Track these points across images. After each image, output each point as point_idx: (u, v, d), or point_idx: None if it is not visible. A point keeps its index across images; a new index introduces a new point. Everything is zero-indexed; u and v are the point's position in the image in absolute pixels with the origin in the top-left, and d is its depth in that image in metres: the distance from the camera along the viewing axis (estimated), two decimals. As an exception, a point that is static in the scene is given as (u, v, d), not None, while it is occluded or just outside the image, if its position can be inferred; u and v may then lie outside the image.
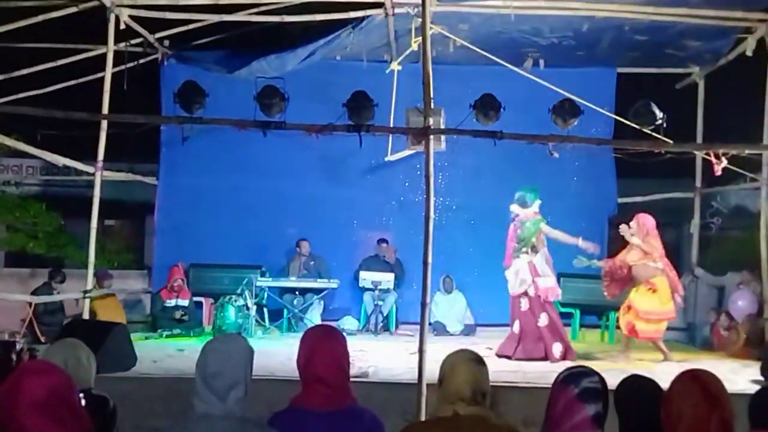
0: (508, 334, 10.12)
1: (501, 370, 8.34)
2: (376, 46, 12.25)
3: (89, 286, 10.53)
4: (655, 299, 9.84)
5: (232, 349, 3.14)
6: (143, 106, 11.45)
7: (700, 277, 12.85)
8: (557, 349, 9.67)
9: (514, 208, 10.21)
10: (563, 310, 12.27)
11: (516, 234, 10.08)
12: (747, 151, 9.55)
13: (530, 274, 9.90)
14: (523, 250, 10.00)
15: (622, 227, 10.08)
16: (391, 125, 10.65)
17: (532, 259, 9.96)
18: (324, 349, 3.43)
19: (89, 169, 10.96)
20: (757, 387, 7.33)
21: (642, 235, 9.96)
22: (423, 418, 6.65)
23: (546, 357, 9.61)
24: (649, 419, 3.25)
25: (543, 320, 9.84)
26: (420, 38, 8.92)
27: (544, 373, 7.96)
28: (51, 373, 2.70)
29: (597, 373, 3.19)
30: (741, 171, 10.05)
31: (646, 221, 10.09)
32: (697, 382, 3.07)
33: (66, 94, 12.10)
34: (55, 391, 2.62)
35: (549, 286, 9.98)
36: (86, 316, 10.43)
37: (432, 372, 3.63)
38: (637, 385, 3.55)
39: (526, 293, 9.89)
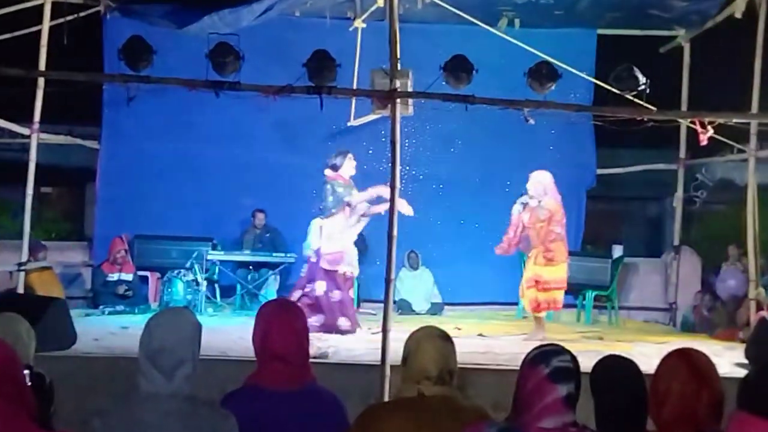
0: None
1: (470, 351, 8.40)
2: (339, 1, 12.20)
3: (24, 258, 10.47)
4: (551, 267, 9.99)
5: (178, 323, 3.15)
6: (84, 63, 11.32)
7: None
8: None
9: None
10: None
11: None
12: (734, 120, 9.61)
13: None
14: None
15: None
16: (355, 87, 10.64)
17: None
18: (282, 324, 3.46)
19: (24, 131, 10.85)
20: (740, 370, 7.53)
21: (539, 194, 10.07)
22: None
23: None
24: (628, 401, 3.29)
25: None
26: (386, -7, 8.91)
27: (517, 354, 8.04)
28: None
29: (568, 352, 3.20)
30: (728, 141, 10.14)
31: (543, 178, 10.20)
32: (686, 359, 3.15)
33: (-1, 49, 11.95)
34: (0, 366, 2.62)
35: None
36: (21, 290, 10.37)
37: (396, 353, 3.68)
38: (614, 366, 3.55)
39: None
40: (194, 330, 3.17)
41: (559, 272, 10.01)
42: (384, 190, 9.66)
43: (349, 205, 10.18)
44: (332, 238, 10.14)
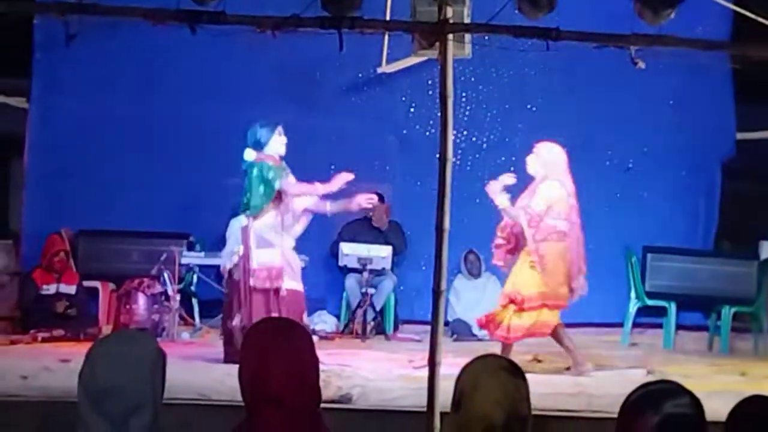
0: None
1: (553, 392, 8.41)
2: None
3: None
4: (536, 276, 9.97)
5: (131, 353, 3.17)
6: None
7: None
8: None
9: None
10: (652, 303, 12.40)
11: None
12: None
13: None
14: None
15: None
16: (388, 18, 10.64)
17: None
18: (280, 353, 3.45)
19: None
20: None
21: (542, 174, 10.06)
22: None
23: None
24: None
25: None
26: None
27: (621, 397, 8.02)
28: None
29: (688, 392, 3.20)
30: None
31: (551, 154, 10.26)
32: None
33: None
34: None
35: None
36: None
37: (448, 394, 3.68)
38: (762, 413, 3.57)
39: None
40: (155, 362, 3.18)
41: (536, 284, 9.99)
42: (347, 178, 9.86)
43: (280, 195, 10.15)
44: (264, 244, 10.13)
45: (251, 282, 9.99)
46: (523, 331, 9.98)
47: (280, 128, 10.38)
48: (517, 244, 10.24)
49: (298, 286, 10.27)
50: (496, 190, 10.03)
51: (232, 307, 10.07)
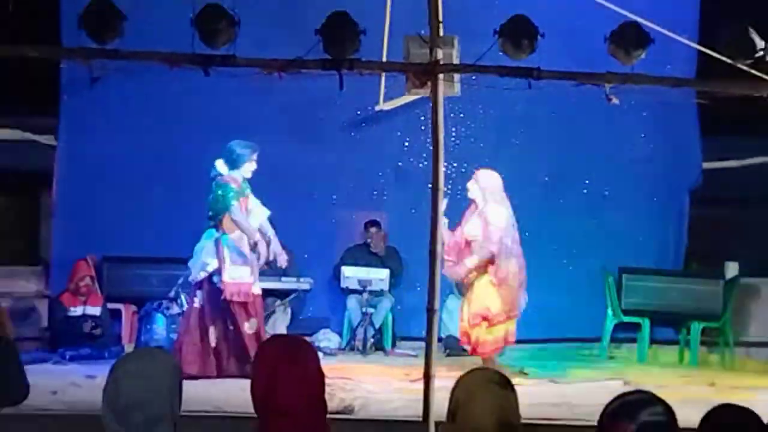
0: None
1: (539, 402, 8.39)
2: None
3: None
4: (498, 293, 10.20)
5: (152, 369, 3.16)
6: (37, 35, 11.40)
7: None
8: None
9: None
10: (627, 319, 12.37)
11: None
12: None
13: None
14: None
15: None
16: (385, 60, 10.65)
17: None
18: (289, 370, 3.45)
19: (-40, 124, 10.95)
20: None
21: (481, 198, 10.20)
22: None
23: None
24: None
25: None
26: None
27: (601, 406, 7.99)
28: None
29: (662, 402, 3.19)
30: None
31: (488, 181, 10.42)
32: None
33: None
34: None
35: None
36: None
37: (442, 406, 3.67)
38: (730, 420, 3.55)
39: None
40: (173, 377, 3.17)
41: (508, 298, 10.14)
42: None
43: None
44: (235, 260, 10.18)
45: (224, 295, 10.06)
46: (499, 343, 10.09)
47: (255, 154, 10.37)
48: (460, 259, 10.37)
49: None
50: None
51: (203, 315, 10.13)
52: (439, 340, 9.53)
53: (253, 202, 10.49)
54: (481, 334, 10.11)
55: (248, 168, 10.36)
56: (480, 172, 10.35)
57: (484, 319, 10.15)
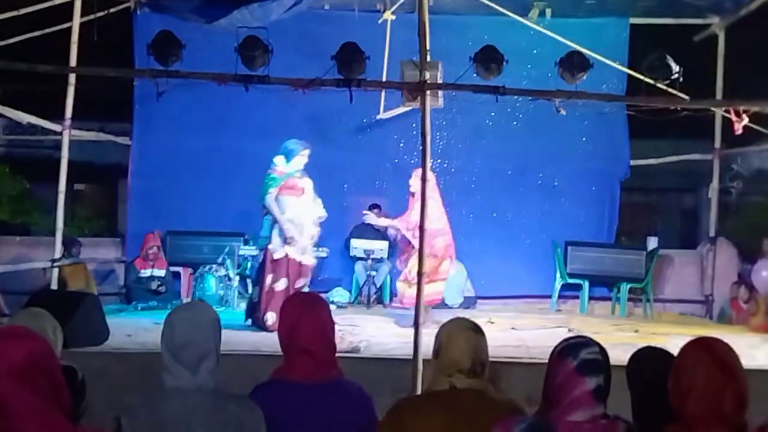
0: None
1: (503, 345, 8.39)
2: (368, -7, 12.19)
3: (57, 255, 10.54)
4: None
5: (198, 317, 3.15)
6: (115, 58, 11.37)
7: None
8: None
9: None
10: (571, 281, 12.38)
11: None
12: (769, 109, 9.51)
13: None
14: None
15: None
16: (384, 80, 10.61)
17: None
18: (307, 318, 3.46)
19: (56, 127, 10.91)
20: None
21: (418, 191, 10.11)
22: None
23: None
24: (664, 392, 3.25)
25: None
26: (416, -15, 8.86)
27: (550, 348, 7.99)
28: (32, 339, 2.61)
29: (597, 344, 3.18)
30: (763, 131, 10.01)
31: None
32: (709, 351, 3.00)
33: (30, 46, 11.98)
34: (36, 359, 2.53)
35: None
36: (55, 286, 10.43)
37: (429, 348, 3.67)
38: (650, 358, 3.54)
39: None
40: (214, 323, 3.17)
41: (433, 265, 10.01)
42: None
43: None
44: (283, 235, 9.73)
45: (274, 255, 9.65)
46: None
47: (306, 150, 10.04)
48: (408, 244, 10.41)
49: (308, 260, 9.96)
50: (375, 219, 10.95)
51: (263, 269, 9.75)
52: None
53: (302, 200, 10.01)
54: (407, 291, 10.12)
55: (298, 161, 10.02)
56: (418, 170, 10.18)
57: (405, 279, 10.26)
